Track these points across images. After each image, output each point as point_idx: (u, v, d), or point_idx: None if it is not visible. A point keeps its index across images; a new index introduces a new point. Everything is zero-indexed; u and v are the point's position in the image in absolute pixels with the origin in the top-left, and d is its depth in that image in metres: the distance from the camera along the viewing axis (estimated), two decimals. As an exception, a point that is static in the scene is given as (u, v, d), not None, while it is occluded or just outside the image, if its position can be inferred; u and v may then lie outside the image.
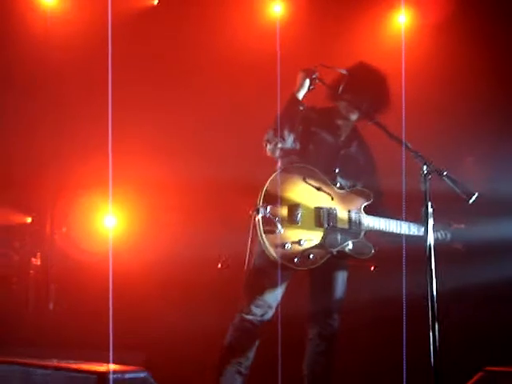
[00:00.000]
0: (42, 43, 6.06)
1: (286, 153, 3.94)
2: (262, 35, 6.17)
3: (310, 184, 3.82)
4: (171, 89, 5.98)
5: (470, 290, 5.80)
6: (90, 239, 6.14)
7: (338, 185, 3.94)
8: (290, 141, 3.89)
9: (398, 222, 3.95)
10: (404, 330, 3.86)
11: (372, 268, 6.16)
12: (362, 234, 3.88)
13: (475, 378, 3.43)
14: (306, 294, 4.03)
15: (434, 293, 3.17)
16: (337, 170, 3.98)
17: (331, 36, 6.02)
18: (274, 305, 3.83)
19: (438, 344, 3.10)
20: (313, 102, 4.03)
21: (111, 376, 2.94)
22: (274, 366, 3.89)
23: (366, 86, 3.97)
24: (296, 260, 3.66)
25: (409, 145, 3.50)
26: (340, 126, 4.08)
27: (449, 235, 4.09)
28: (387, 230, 3.93)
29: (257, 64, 5.88)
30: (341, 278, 3.99)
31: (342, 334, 4.03)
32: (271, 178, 3.74)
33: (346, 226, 3.85)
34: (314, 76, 3.88)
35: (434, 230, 3.89)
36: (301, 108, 3.91)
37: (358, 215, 3.89)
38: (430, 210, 3.31)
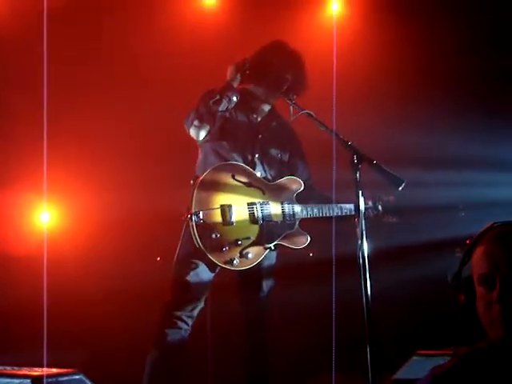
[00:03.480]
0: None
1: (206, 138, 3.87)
2: (196, 25, 6.12)
3: (239, 181, 3.80)
4: (107, 85, 5.87)
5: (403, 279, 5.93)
6: (23, 236, 6.00)
7: (259, 174, 3.91)
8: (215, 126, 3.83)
9: (330, 205, 3.95)
10: (333, 317, 3.89)
11: (310, 254, 6.22)
12: (297, 223, 3.90)
13: (407, 361, 3.51)
14: (235, 292, 4.00)
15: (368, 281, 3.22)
16: (256, 156, 3.95)
17: (262, 25, 5.99)
18: (203, 299, 3.78)
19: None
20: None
21: (49, 379, 2.90)
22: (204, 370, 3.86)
23: (276, 68, 3.93)
24: (235, 261, 3.64)
25: (339, 135, 3.54)
26: (255, 108, 4.03)
27: (380, 208, 4.14)
28: (320, 216, 3.94)
29: (189, 55, 5.83)
30: (269, 271, 3.95)
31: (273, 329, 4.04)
32: (200, 179, 3.70)
33: (281, 219, 3.85)
34: (244, 69, 3.87)
35: (365, 208, 3.96)
36: (234, 99, 3.86)
37: (291, 206, 3.89)
38: (362, 199, 3.36)
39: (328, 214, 3.95)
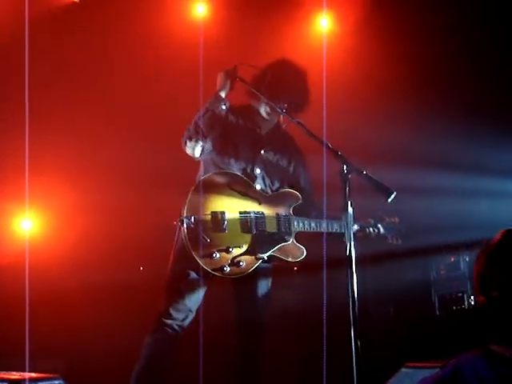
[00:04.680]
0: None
1: (205, 152, 3.89)
2: (185, 35, 6.11)
3: (234, 190, 3.77)
4: (89, 87, 5.84)
5: (390, 289, 5.93)
6: (5, 244, 5.93)
7: (259, 187, 3.90)
8: (209, 140, 3.84)
9: (329, 221, 3.91)
10: (324, 330, 3.85)
11: (295, 268, 6.19)
12: (293, 236, 3.86)
13: (396, 373, 3.48)
14: (230, 302, 3.95)
15: (355, 292, 3.19)
16: (258, 171, 3.95)
17: (253, 38, 6.01)
18: (194, 309, 3.74)
19: (358, 343, 3.11)
20: (234, 101, 4.01)
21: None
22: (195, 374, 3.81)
23: (286, 83, 3.96)
24: (225, 269, 3.60)
25: (329, 144, 3.52)
26: (260, 123, 4.06)
27: (381, 230, 4.13)
28: (318, 231, 3.91)
29: (180, 62, 5.82)
30: (265, 284, 3.92)
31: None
32: (194, 187, 3.67)
33: (275, 230, 3.81)
34: (234, 75, 3.87)
35: (366, 226, 3.96)
36: (223, 107, 3.87)
37: (286, 218, 3.86)
38: (350, 209, 3.33)
39: (326, 230, 3.91)
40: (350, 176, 3.34)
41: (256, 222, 3.75)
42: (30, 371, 3.25)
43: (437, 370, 2.14)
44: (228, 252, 3.63)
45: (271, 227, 3.80)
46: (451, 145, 5.71)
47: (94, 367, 5.11)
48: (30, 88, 4.29)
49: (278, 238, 3.81)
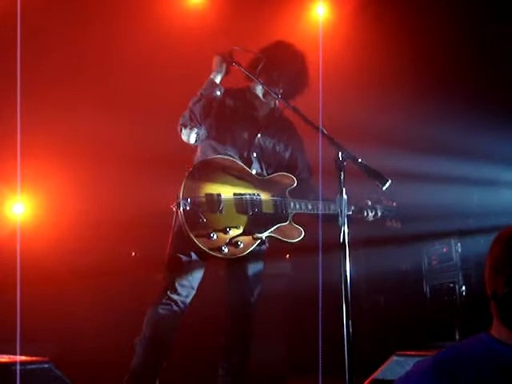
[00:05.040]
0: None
1: (200, 139, 3.88)
2: (184, 21, 6.10)
3: (229, 173, 3.79)
4: (84, 69, 5.80)
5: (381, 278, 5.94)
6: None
7: (255, 171, 3.91)
8: (205, 126, 3.84)
9: (326, 202, 3.90)
10: (320, 319, 3.84)
11: (287, 256, 6.20)
12: (290, 217, 3.87)
13: (387, 361, 3.48)
14: (223, 285, 3.97)
15: (348, 279, 3.16)
16: (254, 155, 3.95)
17: (249, 25, 5.98)
18: (195, 287, 3.77)
19: (351, 331, 3.10)
20: (231, 84, 4.00)
21: (18, 367, 2.82)
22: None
23: (282, 66, 3.95)
24: (223, 248, 3.62)
25: (324, 131, 3.49)
26: (257, 106, 4.06)
27: (379, 212, 4.11)
28: (315, 212, 3.90)
29: (180, 48, 5.80)
30: (257, 267, 3.94)
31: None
32: (190, 170, 3.69)
33: (272, 211, 3.82)
34: (229, 59, 3.84)
35: (363, 208, 3.94)
36: (218, 93, 3.85)
37: (282, 200, 3.87)
38: (345, 196, 3.30)
39: (323, 211, 3.89)
40: (344, 163, 3.33)
41: (252, 204, 3.77)
42: (19, 355, 3.23)
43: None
44: (225, 233, 3.65)
45: (267, 208, 3.82)
46: (448, 132, 5.70)
47: (84, 351, 5.11)
48: (21, 72, 4.24)
49: (274, 218, 3.82)
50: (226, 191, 3.73)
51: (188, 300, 3.74)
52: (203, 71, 3.99)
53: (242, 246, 3.68)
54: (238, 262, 3.80)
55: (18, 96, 4.16)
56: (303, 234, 3.87)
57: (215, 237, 3.60)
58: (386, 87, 5.90)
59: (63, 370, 3.08)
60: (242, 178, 3.82)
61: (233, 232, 3.68)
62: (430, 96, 5.90)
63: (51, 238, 5.54)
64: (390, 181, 3.36)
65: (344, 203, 3.23)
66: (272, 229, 3.80)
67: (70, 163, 5.61)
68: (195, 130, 3.83)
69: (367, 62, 6.00)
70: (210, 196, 3.67)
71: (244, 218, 3.74)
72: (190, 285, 3.73)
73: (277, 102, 4.07)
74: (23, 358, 3.06)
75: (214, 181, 3.72)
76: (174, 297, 3.69)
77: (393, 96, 5.83)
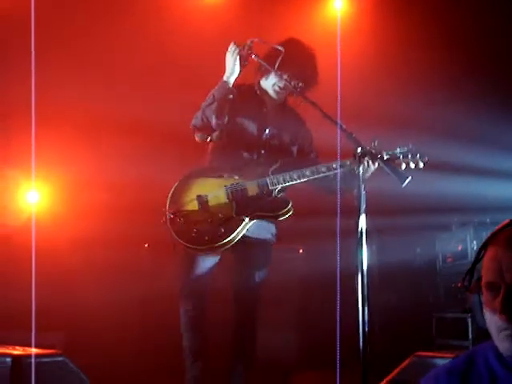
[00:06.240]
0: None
1: (214, 139, 3.99)
2: (200, 14, 6.08)
3: (209, 176, 3.89)
4: (103, 67, 5.78)
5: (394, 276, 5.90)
6: (11, 214, 5.89)
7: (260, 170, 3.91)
8: (217, 130, 3.93)
9: (315, 166, 3.84)
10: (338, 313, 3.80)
11: (300, 251, 6.18)
12: (276, 191, 3.85)
13: (406, 362, 3.44)
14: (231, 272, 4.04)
15: (365, 271, 3.12)
16: (262, 151, 3.98)
17: (266, 20, 5.95)
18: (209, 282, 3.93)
19: (367, 329, 3.06)
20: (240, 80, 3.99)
21: (33, 360, 2.82)
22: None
23: (298, 61, 3.94)
24: (206, 238, 3.72)
25: (343, 126, 3.46)
26: (266, 102, 4.07)
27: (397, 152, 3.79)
28: (303, 179, 3.84)
29: (195, 42, 5.77)
30: (263, 256, 4.00)
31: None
32: (174, 186, 3.85)
33: (256, 192, 3.84)
34: (249, 51, 3.81)
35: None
36: (231, 96, 3.88)
37: (264, 179, 3.86)
38: (363, 192, 3.28)
39: (312, 176, 3.82)
40: (364, 158, 3.31)
41: (236, 191, 3.83)
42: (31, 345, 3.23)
43: (446, 360, 2.08)
44: (214, 226, 3.76)
45: (252, 190, 3.85)
46: (473, 125, 5.64)
47: (95, 342, 5.12)
48: (36, 57, 4.21)
49: (260, 197, 3.84)
50: (210, 189, 3.84)
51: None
52: (217, 69, 3.97)
53: (230, 230, 3.76)
54: (243, 250, 3.88)
55: (32, 79, 4.12)
56: (290, 204, 3.85)
57: (208, 238, 3.74)
58: (405, 83, 5.82)
59: (75, 362, 3.08)
60: (222, 176, 3.89)
61: (220, 223, 3.77)
62: (454, 91, 5.83)
63: (66, 229, 5.54)
64: (410, 177, 3.33)
65: (363, 199, 3.22)
66: (259, 207, 3.82)
67: (87, 148, 5.60)
68: (209, 132, 3.95)
69: (387, 57, 5.93)
70: (195, 197, 3.80)
71: (230, 207, 3.81)
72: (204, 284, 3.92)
73: (286, 96, 4.08)
74: (36, 350, 3.05)
75: (197, 186, 3.86)
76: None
77: (414, 92, 5.76)
